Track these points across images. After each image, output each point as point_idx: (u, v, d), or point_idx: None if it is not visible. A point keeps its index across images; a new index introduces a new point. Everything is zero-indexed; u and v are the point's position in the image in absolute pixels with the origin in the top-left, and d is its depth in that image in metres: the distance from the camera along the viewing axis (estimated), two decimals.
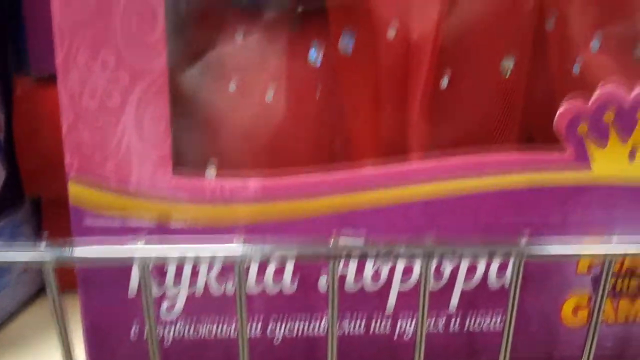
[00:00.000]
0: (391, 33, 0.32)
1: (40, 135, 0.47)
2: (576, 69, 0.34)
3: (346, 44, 0.32)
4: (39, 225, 0.50)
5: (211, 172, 0.34)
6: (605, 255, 0.30)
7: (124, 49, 0.30)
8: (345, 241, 0.32)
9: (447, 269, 0.34)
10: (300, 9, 0.35)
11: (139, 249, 0.29)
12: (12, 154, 0.46)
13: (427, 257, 0.29)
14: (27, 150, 0.48)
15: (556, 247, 0.30)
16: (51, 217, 0.50)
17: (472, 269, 0.34)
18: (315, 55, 0.34)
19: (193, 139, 0.35)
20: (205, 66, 0.36)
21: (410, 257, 0.29)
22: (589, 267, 0.35)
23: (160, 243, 0.31)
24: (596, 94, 0.33)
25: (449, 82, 0.33)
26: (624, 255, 0.29)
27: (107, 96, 0.31)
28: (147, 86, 0.31)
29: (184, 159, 0.34)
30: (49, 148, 0.46)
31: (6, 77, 0.46)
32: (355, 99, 0.34)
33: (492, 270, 0.34)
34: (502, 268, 0.35)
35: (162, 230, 0.33)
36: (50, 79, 0.47)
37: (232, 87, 0.35)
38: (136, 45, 0.30)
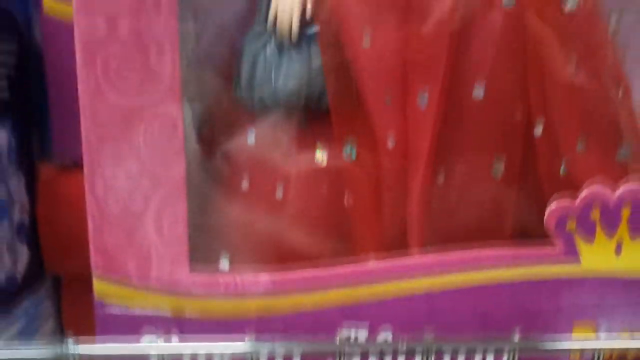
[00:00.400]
0: (390, 142, 0.35)
1: (62, 219, 0.49)
2: (563, 170, 0.36)
3: (349, 152, 0.35)
4: (59, 302, 0.52)
5: (224, 264, 0.37)
6: (594, 350, 0.32)
7: (146, 158, 0.33)
8: (348, 334, 0.34)
9: (447, 356, 0.36)
10: (307, 111, 0.38)
11: (155, 347, 0.31)
12: (35, 236, 0.49)
13: (426, 354, 0.31)
14: (49, 232, 0.50)
15: (547, 343, 0.32)
16: (71, 294, 0.52)
17: (471, 356, 0.36)
18: (321, 156, 0.37)
19: (208, 234, 0.37)
20: (220, 165, 0.39)
21: (411, 354, 0.31)
22: (581, 355, 0.37)
23: (178, 334, 0.33)
24: (583, 193, 0.35)
25: (445, 183, 0.36)
26: (612, 350, 0.31)
27: (130, 201, 0.34)
28: (167, 191, 0.34)
29: (200, 253, 0.36)
30: (70, 231, 0.48)
31: (30, 163, 0.49)
32: (358, 198, 0.36)
33: (489, 358, 0.36)
34: (499, 356, 0.36)
35: (178, 320, 0.36)
36: (74, 166, 0.50)
37: (244, 185, 0.38)
38: (157, 155, 0.33)
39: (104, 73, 0.32)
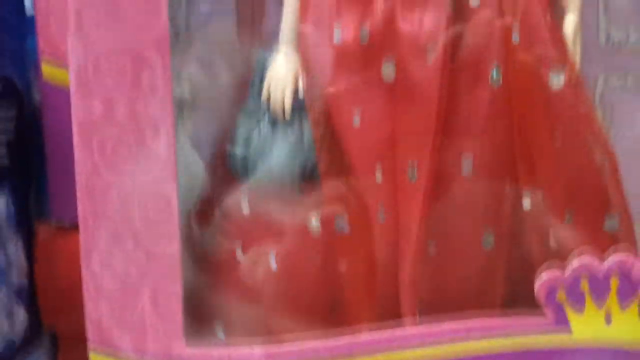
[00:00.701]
0: (381, 216, 0.36)
1: (59, 279, 0.50)
2: (552, 242, 0.37)
3: (341, 226, 0.36)
4: (55, 357, 0.52)
5: (220, 334, 0.37)
6: None
7: (142, 234, 0.34)
8: None
9: None
10: (302, 181, 0.39)
11: None
12: (33, 297, 0.49)
13: None
14: (47, 291, 0.51)
15: None
16: (66, 350, 0.53)
17: None
18: (315, 225, 0.38)
19: (204, 303, 0.38)
20: (216, 231, 0.39)
21: None
22: None
23: None
24: (572, 264, 0.36)
25: (436, 254, 0.37)
26: None
27: (125, 276, 0.34)
28: (162, 267, 0.34)
29: (196, 323, 0.37)
30: (67, 290, 0.49)
31: (29, 226, 0.49)
32: (351, 269, 0.37)
33: None
34: None
35: None
36: (71, 227, 0.50)
37: (239, 255, 0.38)
38: (153, 232, 0.34)
39: (101, 154, 0.33)
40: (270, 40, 0.41)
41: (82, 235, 0.34)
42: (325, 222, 0.37)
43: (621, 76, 0.44)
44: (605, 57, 0.44)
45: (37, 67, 0.44)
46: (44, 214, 0.51)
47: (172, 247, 0.34)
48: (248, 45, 0.43)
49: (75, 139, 0.33)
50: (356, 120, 0.36)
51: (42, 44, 0.43)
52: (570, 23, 0.39)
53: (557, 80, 0.37)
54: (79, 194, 0.34)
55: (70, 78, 0.33)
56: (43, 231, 0.50)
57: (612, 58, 0.44)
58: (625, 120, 0.45)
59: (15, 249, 0.47)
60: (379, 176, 0.36)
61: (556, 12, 0.40)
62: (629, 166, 0.41)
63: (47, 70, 0.43)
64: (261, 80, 0.38)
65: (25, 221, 0.49)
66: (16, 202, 0.46)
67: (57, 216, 0.50)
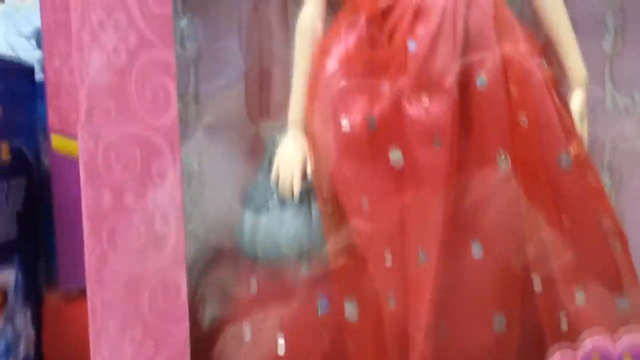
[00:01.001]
0: (391, 303, 0.36)
1: (66, 346, 0.50)
2: (564, 325, 0.37)
3: (350, 312, 0.36)
4: None
5: None
6: None
7: (150, 322, 0.34)
8: None
9: None
10: (310, 261, 0.39)
11: None
12: None
13: None
14: (54, 358, 0.51)
15: None
16: None
17: None
18: (324, 307, 0.37)
19: None
20: (221, 314, 0.39)
21: None
22: None
23: None
24: (584, 345, 0.35)
25: (447, 336, 0.37)
26: None
27: None
28: (170, 354, 0.34)
29: None
30: (74, 358, 0.49)
31: (38, 294, 0.49)
32: (360, 353, 0.37)
33: None
34: None
35: None
36: (80, 294, 0.50)
37: (247, 335, 0.38)
38: (161, 319, 0.34)
39: (110, 241, 0.33)
40: (277, 115, 0.41)
41: (91, 322, 0.34)
42: (334, 307, 0.37)
43: (629, 141, 0.45)
44: (613, 123, 0.44)
45: (46, 134, 0.45)
46: (52, 281, 0.51)
47: (180, 334, 0.34)
48: (256, 119, 0.43)
49: (85, 228, 0.33)
50: (365, 205, 0.36)
51: (51, 116, 0.43)
52: (577, 99, 0.39)
53: (565, 160, 0.37)
54: (88, 282, 0.34)
55: (80, 167, 0.33)
56: (50, 299, 0.51)
57: (619, 123, 0.45)
58: (633, 185, 0.45)
59: (24, 321, 0.47)
60: (388, 260, 0.36)
61: (562, 86, 0.41)
62: (638, 232, 0.41)
63: (57, 140, 0.43)
64: (270, 161, 0.38)
65: (34, 291, 0.48)
66: (25, 273, 0.46)
67: (64, 284, 0.50)
